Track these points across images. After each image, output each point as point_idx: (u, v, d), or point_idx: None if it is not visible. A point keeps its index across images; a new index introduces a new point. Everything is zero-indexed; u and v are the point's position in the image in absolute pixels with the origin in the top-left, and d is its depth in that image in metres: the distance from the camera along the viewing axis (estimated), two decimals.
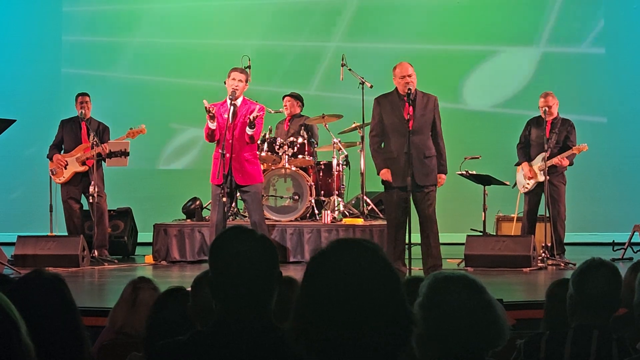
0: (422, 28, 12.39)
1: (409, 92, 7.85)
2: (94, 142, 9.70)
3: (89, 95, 10.02)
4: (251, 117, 7.96)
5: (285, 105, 10.67)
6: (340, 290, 1.82)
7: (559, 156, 9.10)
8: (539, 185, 9.26)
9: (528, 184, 9.34)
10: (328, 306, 1.82)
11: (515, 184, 9.55)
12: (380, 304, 1.82)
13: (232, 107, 8.08)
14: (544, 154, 9.15)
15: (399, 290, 1.86)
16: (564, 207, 9.28)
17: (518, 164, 9.50)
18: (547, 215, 9.02)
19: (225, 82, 8.21)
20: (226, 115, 8.03)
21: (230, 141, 8.03)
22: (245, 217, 9.68)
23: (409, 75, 7.96)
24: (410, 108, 7.91)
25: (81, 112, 9.87)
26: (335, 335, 1.80)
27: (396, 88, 8.07)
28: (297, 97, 10.71)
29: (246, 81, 8.23)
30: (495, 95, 12.25)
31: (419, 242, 8.29)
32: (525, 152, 9.46)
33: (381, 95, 8.24)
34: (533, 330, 3.87)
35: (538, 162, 9.29)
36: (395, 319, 1.83)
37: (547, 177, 9.01)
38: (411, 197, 8.03)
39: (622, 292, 3.41)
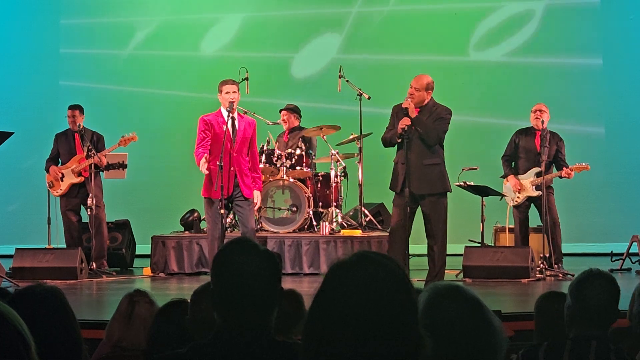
0: (420, 39, 12.42)
1: (406, 109, 7.92)
2: (91, 153, 9.70)
3: (78, 109, 9.99)
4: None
5: (283, 119, 10.69)
6: (355, 305, 1.81)
7: (567, 170, 9.11)
8: (529, 198, 9.29)
9: (518, 197, 9.36)
10: (341, 319, 1.81)
11: (503, 196, 9.55)
12: (393, 324, 1.81)
13: (230, 120, 8.06)
14: (536, 169, 9.18)
15: (413, 314, 1.86)
16: (557, 214, 9.31)
17: (504, 177, 9.50)
18: (545, 227, 9.04)
19: (218, 96, 8.15)
20: (225, 128, 7.98)
21: (234, 154, 8.01)
22: None
23: (415, 88, 7.98)
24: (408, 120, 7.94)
25: (76, 123, 9.86)
26: (344, 349, 1.80)
27: None
28: (293, 110, 10.72)
29: (238, 91, 8.21)
30: (493, 106, 12.26)
31: (416, 252, 8.32)
32: (510, 165, 9.48)
33: (399, 103, 8.24)
34: (531, 342, 3.87)
35: (530, 177, 9.30)
36: (406, 341, 1.82)
37: (544, 191, 9.00)
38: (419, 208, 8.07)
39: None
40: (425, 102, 8.04)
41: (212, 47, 12.78)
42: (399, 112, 8.12)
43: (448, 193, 8.11)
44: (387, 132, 8.14)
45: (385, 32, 12.54)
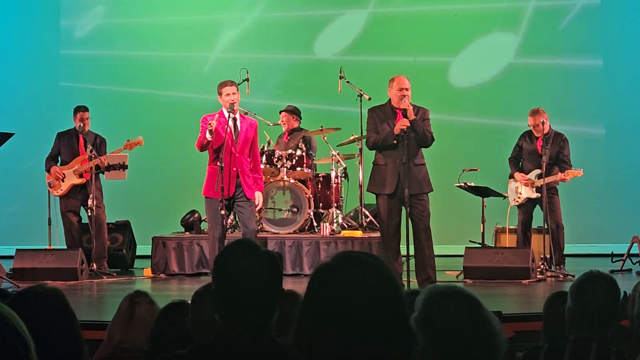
0: (420, 40, 12.40)
1: (405, 108, 7.94)
2: (92, 155, 9.70)
3: (88, 111, 10.02)
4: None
5: (282, 121, 10.69)
6: (343, 306, 1.81)
7: (560, 175, 9.09)
8: (529, 199, 9.28)
9: (519, 197, 9.35)
10: (330, 321, 1.81)
11: (504, 197, 9.56)
12: (382, 321, 1.81)
13: (232, 121, 8.06)
14: (537, 170, 9.16)
15: (401, 308, 1.86)
16: (561, 217, 9.30)
17: (511, 176, 9.51)
18: (545, 228, 9.03)
19: (218, 99, 8.15)
20: (227, 127, 7.97)
21: (236, 155, 8.02)
22: None
23: (406, 89, 8.03)
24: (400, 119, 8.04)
25: (80, 125, 9.87)
26: (337, 350, 1.80)
27: (390, 100, 8.14)
28: (293, 112, 10.72)
29: (238, 91, 8.22)
30: (494, 107, 12.25)
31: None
32: (517, 165, 9.48)
33: (375, 106, 8.35)
34: (532, 343, 3.87)
35: (531, 178, 9.30)
36: (397, 337, 1.82)
37: (544, 193, 8.99)
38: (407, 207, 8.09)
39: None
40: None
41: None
42: (379, 114, 8.18)
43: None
44: (375, 136, 8.16)
45: (387, 32, 12.52)
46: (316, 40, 12.65)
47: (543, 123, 9.13)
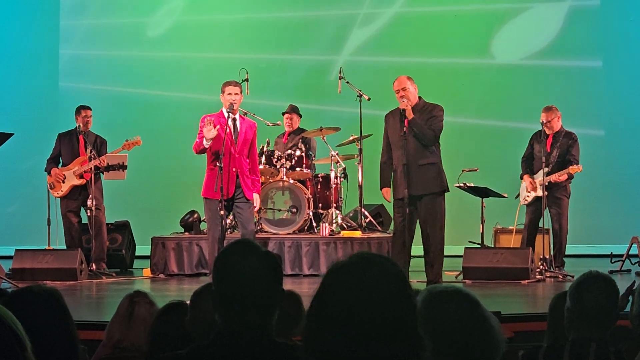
0: (420, 41, 12.41)
1: (403, 110, 8.02)
2: (92, 155, 9.71)
3: (91, 109, 10.03)
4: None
5: (287, 122, 10.68)
6: (354, 307, 1.81)
7: (555, 174, 9.10)
8: (539, 198, 9.27)
9: (528, 196, 9.36)
10: (340, 321, 1.81)
11: (518, 195, 9.57)
12: (390, 324, 1.81)
13: (232, 122, 8.07)
14: (546, 169, 9.16)
15: (412, 315, 1.86)
16: (567, 220, 9.27)
17: (522, 176, 9.53)
18: (545, 228, 9.03)
19: (221, 97, 8.18)
20: (226, 128, 7.98)
21: (236, 155, 8.03)
22: None
23: (403, 89, 8.10)
24: (406, 121, 8.05)
25: (79, 125, 9.88)
26: (343, 350, 1.80)
27: None
28: (298, 112, 10.75)
29: (240, 93, 8.24)
30: (493, 108, 12.25)
31: (418, 254, 8.36)
32: (528, 165, 9.48)
33: (390, 111, 8.39)
34: (531, 343, 3.87)
35: (539, 177, 9.31)
36: (403, 341, 1.82)
37: (546, 193, 9.00)
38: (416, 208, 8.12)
39: None
40: (415, 102, 8.18)
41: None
42: (390, 119, 8.27)
43: (447, 193, 8.22)
44: (382, 158, 8.34)
45: (389, 34, 12.54)
46: (313, 41, 12.67)
47: (546, 123, 9.12)
